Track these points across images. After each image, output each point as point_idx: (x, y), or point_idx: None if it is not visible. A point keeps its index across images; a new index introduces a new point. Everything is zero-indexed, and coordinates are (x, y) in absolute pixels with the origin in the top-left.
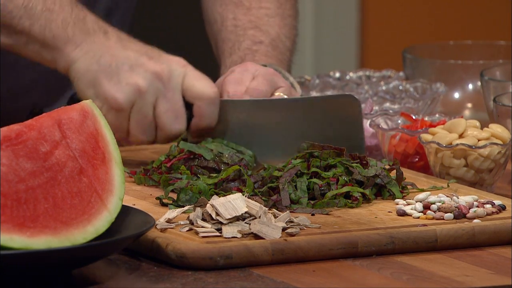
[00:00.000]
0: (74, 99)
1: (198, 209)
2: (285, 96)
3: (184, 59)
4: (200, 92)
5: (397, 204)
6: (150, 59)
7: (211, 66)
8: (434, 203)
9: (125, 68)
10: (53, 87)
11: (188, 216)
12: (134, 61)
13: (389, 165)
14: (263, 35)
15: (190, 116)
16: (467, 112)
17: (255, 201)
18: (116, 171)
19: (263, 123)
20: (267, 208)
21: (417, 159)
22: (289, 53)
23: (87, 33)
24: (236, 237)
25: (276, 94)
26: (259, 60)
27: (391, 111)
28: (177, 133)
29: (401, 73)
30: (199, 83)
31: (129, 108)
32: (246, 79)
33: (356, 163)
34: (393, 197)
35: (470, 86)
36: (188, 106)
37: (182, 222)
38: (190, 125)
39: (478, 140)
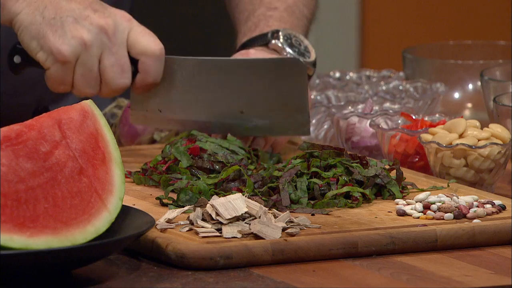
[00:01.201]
0: (18, 48)
1: (198, 209)
2: None
3: (128, 14)
4: (145, 47)
5: (397, 204)
6: (95, 12)
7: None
8: (434, 203)
9: (69, 20)
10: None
11: (188, 216)
12: (78, 14)
13: (389, 165)
14: (278, 2)
15: (135, 71)
16: (467, 112)
17: (255, 201)
18: (116, 171)
19: (207, 82)
20: (267, 208)
21: (417, 159)
22: (306, 20)
23: None
24: (236, 237)
25: None
26: (272, 25)
27: (391, 111)
28: (122, 88)
29: (401, 73)
30: (144, 39)
31: (74, 61)
32: None
33: (356, 163)
34: (393, 197)
35: (470, 86)
36: (133, 61)
37: (182, 222)
38: (134, 81)
39: (478, 140)
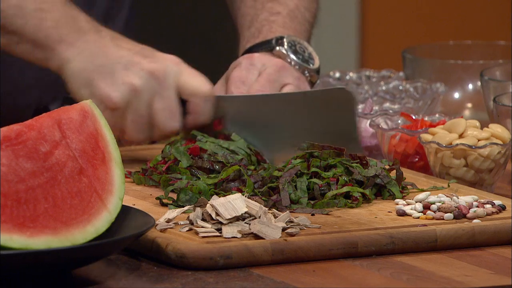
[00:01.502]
0: (69, 99)
1: (198, 209)
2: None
3: (177, 57)
4: (195, 89)
5: (397, 204)
6: (144, 58)
7: (208, 64)
8: (434, 203)
9: (119, 67)
10: (57, 84)
11: (188, 216)
12: (128, 60)
13: (389, 165)
14: (280, 6)
15: (184, 113)
16: (467, 112)
17: (255, 201)
18: (116, 171)
19: (256, 118)
20: (267, 208)
21: (417, 159)
22: (308, 24)
23: (80, 32)
24: (236, 237)
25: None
26: (275, 31)
27: (391, 111)
28: (172, 131)
29: (401, 73)
30: (194, 80)
31: (124, 107)
32: (251, 77)
33: (356, 163)
34: (393, 197)
35: (470, 86)
36: (182, 102)
37: (182, 222)
38: (185, 122)
39: (478, 140)
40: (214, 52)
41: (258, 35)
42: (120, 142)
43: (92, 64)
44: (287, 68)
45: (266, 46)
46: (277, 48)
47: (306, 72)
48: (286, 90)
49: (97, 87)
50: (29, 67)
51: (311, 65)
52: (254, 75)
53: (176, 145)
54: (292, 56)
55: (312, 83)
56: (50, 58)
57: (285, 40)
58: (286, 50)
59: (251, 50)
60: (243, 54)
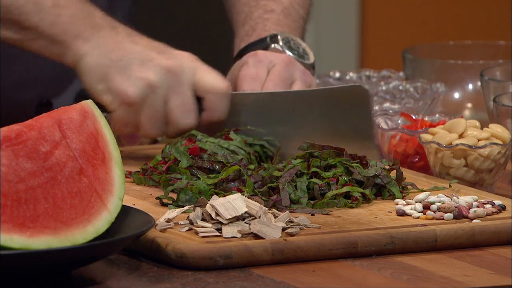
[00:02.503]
0: (83, 94)
1: (198, 209)
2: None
3: (192, 55)
4: (211, 85)
5: (397, 204)
6: (160, 54)
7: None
8: (434, 203)
9: (136, 62)
10: (60, 78)
11: (188, 216)
12: (144, 56)
13: (389, 165)
14: (275, 4)
15: (200, 109)
16: (467, 112)
17: (255, 201)
18: (116, 171)
19: (271, 115)
20: (267, 208)
21: (417, 159)
22: (302, 21)
23: (96, 28)
24: (236, 237)
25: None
26: (269, 29)
27: (391, 111)
28: (188, 128)
29: (401, 73)
30: (210, 77)
31: (140, 103)
32: (261, 74)
33: (356, 163)
34: (393, 197)
35: (470, 86)
36: (198, 99)
37: (182, 222)
38: (201, 119)
39: (478, 140)
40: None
41: (252, 33)
42: (121, 142)
43: (108, 59)
44: (294, 63)
45: (261, 45)
46: (272, 45)
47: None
48: (295, 86)
49: (113, 82)
50: (35, 61)
51: (306, 60)
52: (264, 72)
53: (176, 145)
54: (288, 53)
55: None
56: (66, 53)
57: (279, 37)
58: (281, 46)
59: (246, 49)
60: (238, 53)
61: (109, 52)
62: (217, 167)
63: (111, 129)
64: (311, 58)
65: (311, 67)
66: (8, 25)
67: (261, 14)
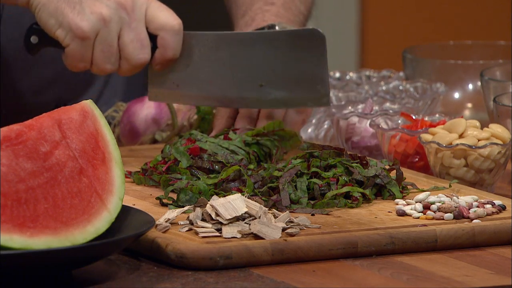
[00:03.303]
0: (34, 28)
1: (198, 209)
2: None
3: None
4: (164, 22)
5: (397, 204)
6: None
7: None
8: (434, 203)
9: None
10: (76, 81)
11: (188, 216)
12: None
13: (389, 165)
14: None
15: (153, 47)
16: (467, 112)
17: (255, 201)
18: (116, 171)
19: (225, 56)
20: (267, 208)
21: (417, 159)
22: (302, 16)
23: None
24: (236, 237)
25: None
26: (268, 19)
27: (391, 111)
28: (141, 64)
29: (401, 73)
30: (163, 14)
31: (93, 37)
32: None
33: (356, 163)
34: (393, 197)
35: (470, 86)
36: (152, 37)
37: (182, 222)
38: (153, 56)
39: (478, 140)
40: None
41: (251, 23)
42: (121, 142)
43: None
44: None
45: None
46: None
47: None
48: None
49: (66, 17)
50: (51, 64)
51: None
52: None
53: (176, 145)
54: None
55: None
56: None
57: (277, 27)
58: None
59: None
60: None
61: None
62: (217, 167)
63: (66, 65)
64: None
65: None
66: None
67: (261, 6)
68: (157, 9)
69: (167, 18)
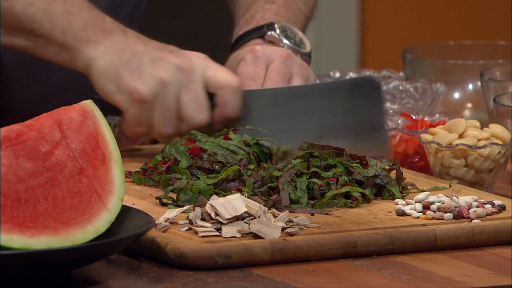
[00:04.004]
0: (94, 99)
1: (198, 209)
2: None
3: (203, 54)
4: (223, 81)
5: (397, 204)
6: (171, 53)
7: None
8: (433, 203)
9: (146, 61)
10: (83, 88)
11: (188, 216)
12: (155, 55)
13: (389, 165)
14: None
15: (212, 106)
16: (467, 112)
17: (255, 201)
18: (116, 171)
19: (284, 110)
20: (266, 208)
21: (417, 159)
22: (303, 17)
23: (107, 33)
24: (235, 237)
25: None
26: (268, 18)
27: (391, 111)
28: (200, 124)
29: (401, 73)
30: (222, 73)
31: (152, 101)
32: (260, 73)
33: (356, 163)
34: (392, 197)
35: (470, 86)
36: (210, 96)
37: (181, 222)
38: (213, 115)
39: (478, 140)
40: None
41: (251, 21)
42: (121, 142)
43: (119, 59)
44: (292, 57)
45: (258, 32)
46: (269, 33)
47: (299, 56)
48: (293, 81)
49: (125, 81)
50: (58, 71)
51: (302, 49)
52: (262, 69)
53: (176, 145)
54: (285, 41)
55: None
56: (77, 58)
57: (276, 25)
58: (278, 34)
59: (244, 36)
60: (236, 41)
61: (120, 53)
62: (217, 167)
63: (125, 130)
64: (308, 47)
65: (308, 56)
66: (19, 34)
67: (262, 4)
68: (215, 70)
69: (227, 77)
